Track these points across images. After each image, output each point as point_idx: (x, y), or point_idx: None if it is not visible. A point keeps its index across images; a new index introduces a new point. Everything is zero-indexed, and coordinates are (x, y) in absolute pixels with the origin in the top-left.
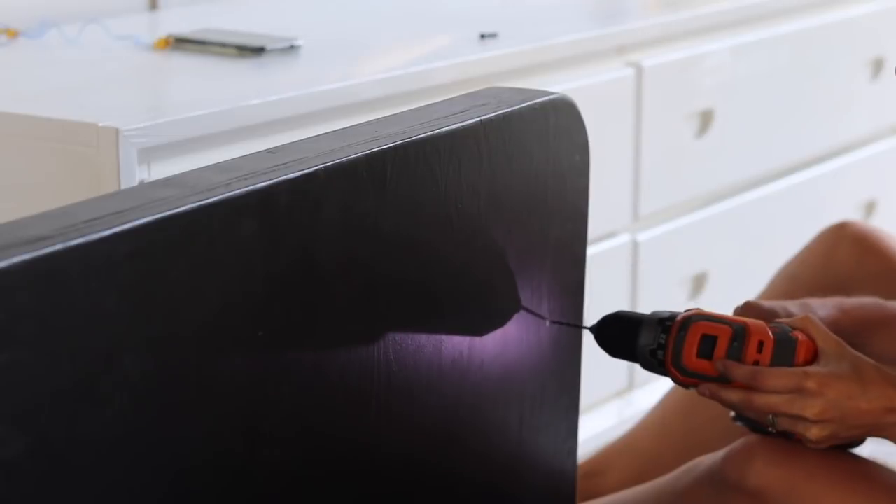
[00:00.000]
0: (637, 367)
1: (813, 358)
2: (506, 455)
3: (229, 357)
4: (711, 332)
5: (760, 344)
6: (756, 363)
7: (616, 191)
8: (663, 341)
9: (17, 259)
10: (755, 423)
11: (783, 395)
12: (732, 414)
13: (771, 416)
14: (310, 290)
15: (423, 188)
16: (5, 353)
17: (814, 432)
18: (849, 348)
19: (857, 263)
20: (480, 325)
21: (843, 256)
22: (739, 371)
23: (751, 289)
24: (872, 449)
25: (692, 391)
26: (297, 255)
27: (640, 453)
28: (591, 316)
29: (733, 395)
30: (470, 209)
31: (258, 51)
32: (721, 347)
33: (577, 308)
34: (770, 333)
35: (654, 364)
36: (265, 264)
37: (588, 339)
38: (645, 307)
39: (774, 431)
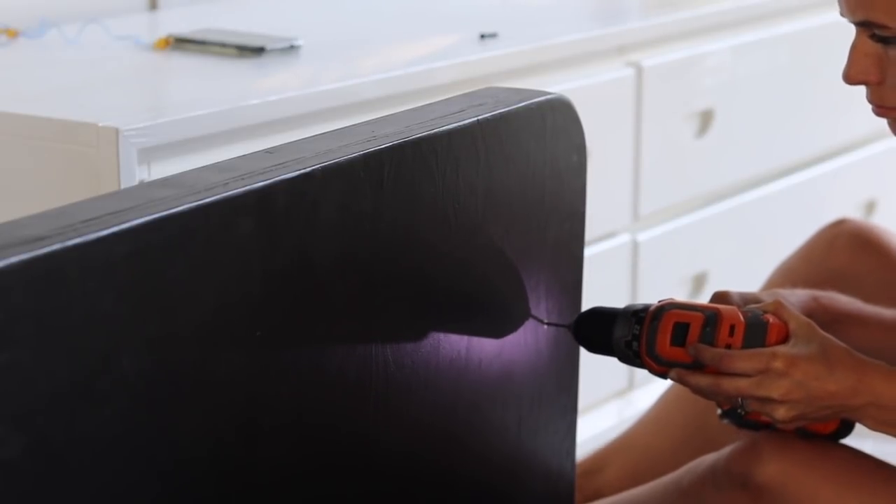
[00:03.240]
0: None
1: (784, 340)
2: (504, 455)
3: (227, 356)
4: (684, 319)
5: (732, 328)
6: (728, 347)
7: (616, 191)
8: (637, 332)
9: (15, 259)
10: (741, 420)
11: (750, 378)
12: (719, 412)
13: (740, 400)
14: (307, 290)
15: (420, 188)
16: (4, 353)
17: (781, 413)
18: (819, 330)
19: (855, 260)
20: (478, 324)
21: (840, 253)
22: (708, 354)
23: (751, 288)
24: (873, 449)
25: (686, 393)
26: (295, 254)
27: (637, 450)
28: None
29: (701, 381)
30: (467, 209)
31: (258, 51)
32: (693, 334)
33: (574, 307)
34: (741, 317)
35: (630, 356)
36: (263, 264)
37: None
38: None
39: (744, 414)
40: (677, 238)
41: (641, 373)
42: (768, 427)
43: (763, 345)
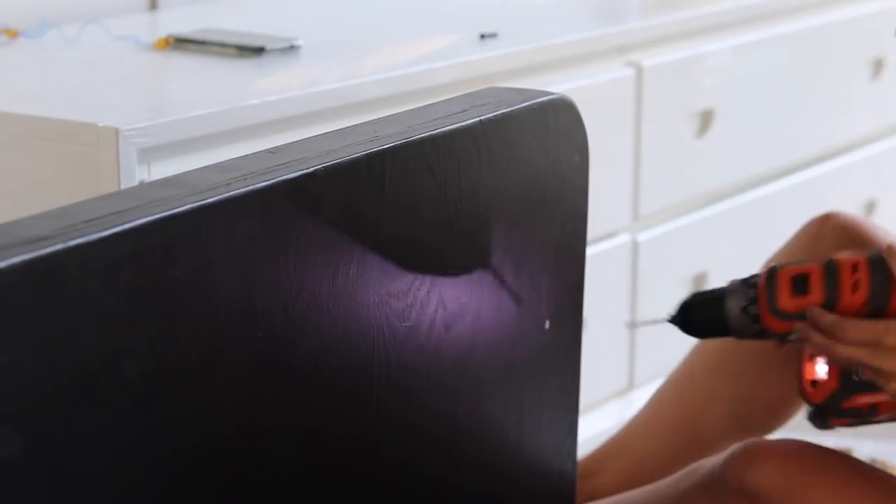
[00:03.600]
0: (637, 367)
1: None
2: (505, 455)
3: (229, 357)
4: (801, 271)
5: (854, 266)
6: (856, 284)
7: (616, 191)
8: (753, 295)
9: (16, 259)
10: (859, 415)
11: (865, 348)
12: (814, 421)
13: (855, 367)
14: (309, 290)
15: (422, 188)
16: (5, 353)
17: (893, 387)
18: None
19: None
20: (479, 324)
21: (827, 247)
22: (825, 320)
23: None
24: (873, 449)
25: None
26: (297, 255)
27: (633, 452)
28: (591, 316)
29: (818, 339)
30: (469, 209)
31: (258, 51)
32: (816, 281)
33: (576, 308)
34: (860, 256)
35: (749, 322)
36: (265, 264)
37: (588, 339)
38: (645, 307)
39: (858, 380)
40: (677, 238)
41: (642, 373)
42: (857, 419)
43: (890, 279)
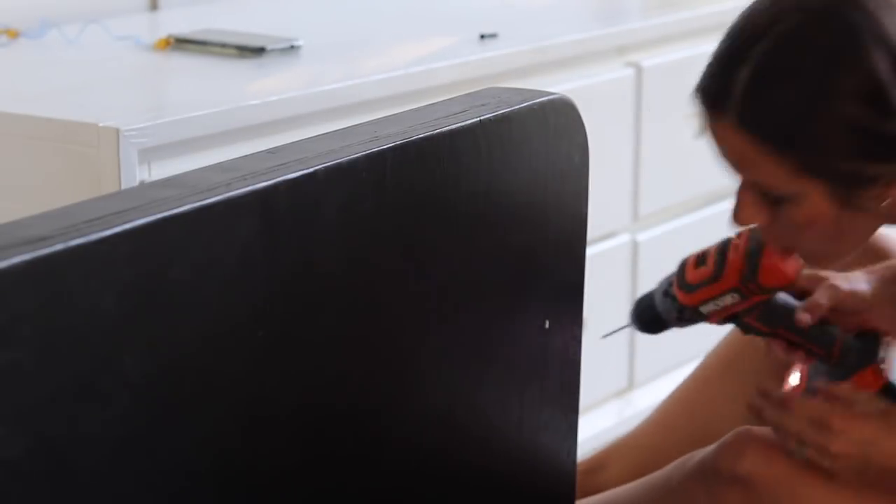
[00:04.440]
0: (636, 367)
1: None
2: (505, 454)
3: (229, 357)
4: (704, 250)
5: (740, 235)
6: (738, 247)
7: (616, 191)
8: (671, 279)
9: (17, 259)
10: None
11: (811, 426)
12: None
13: (796, 444)
14: (309, 290)
15: (422, 188)
16: (6, 353)
17: (837, 467)
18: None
19: (854, 262)
20: (480, 324)
21: None
22: (773, 395)
23: None
24: None
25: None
26: (297, 254)
27: (640, 450)
28: (591, 316)
29: (769, 413)
30: (469, 209)
31: (258, 51)
32: (712, 254)
33: (576, 308)
34: (746, 237)
35: (670, 304)
36: (265, 264)
37: (588, 339)
38: None
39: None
40: (677, 238)
41: (641, 373)
42: None
43: (760, 254)
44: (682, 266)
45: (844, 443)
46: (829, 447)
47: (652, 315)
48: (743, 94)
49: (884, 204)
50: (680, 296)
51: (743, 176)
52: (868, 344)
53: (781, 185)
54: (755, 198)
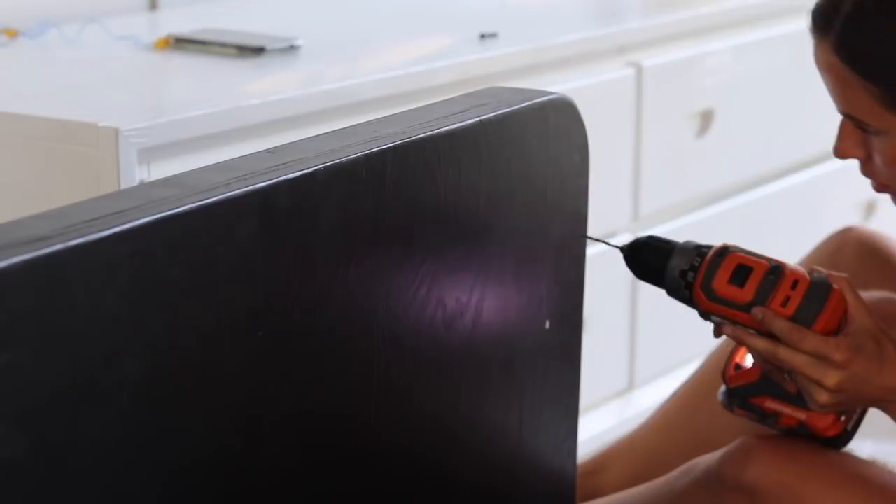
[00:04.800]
0: (636, 367)
1: (842, 315)
2: (505, 455)
3: (229, 356)
4: (748, 263)
5: (795, 282)
6: (787, 300)
7: (616, 191)
8: (697, 264)
9: (16, 259)
10: (760, 415)
11: (809, 357)
12: (723, 400)
13: (788, 373)
14: (309, 290)
15: (422, 188)
16: (5, 353)
17: (824, 398)
18: (876, 320)
19: (863, 268)
20: (481, 324)
21: (847, 260)
22: (778, 323)
23: None
24: (873, 449)
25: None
26: (297, 254)
27: (641, 452)
28: (591, 316)
29: (759, 343)
30: (469, 209)
31: (258, 51)
32: (755, 279)
33: (576, 308)
34: (806, 275)
35: (681, 286)
36: (265, 264)
37: (588, 339)
38: (645, 307)
39: (786, 385)
40: (677, 238)
41: (642, 373)
42: (758, 418)
43: (822, 308)
44: (718, 262)
45: (843, 378)
46: (826, 381)
47: (653, 272)
48: (844, 21)
49: None
50: (698, 293)
51: (840, 105)
52: None
53: (872, 118)
54: (853, 131)
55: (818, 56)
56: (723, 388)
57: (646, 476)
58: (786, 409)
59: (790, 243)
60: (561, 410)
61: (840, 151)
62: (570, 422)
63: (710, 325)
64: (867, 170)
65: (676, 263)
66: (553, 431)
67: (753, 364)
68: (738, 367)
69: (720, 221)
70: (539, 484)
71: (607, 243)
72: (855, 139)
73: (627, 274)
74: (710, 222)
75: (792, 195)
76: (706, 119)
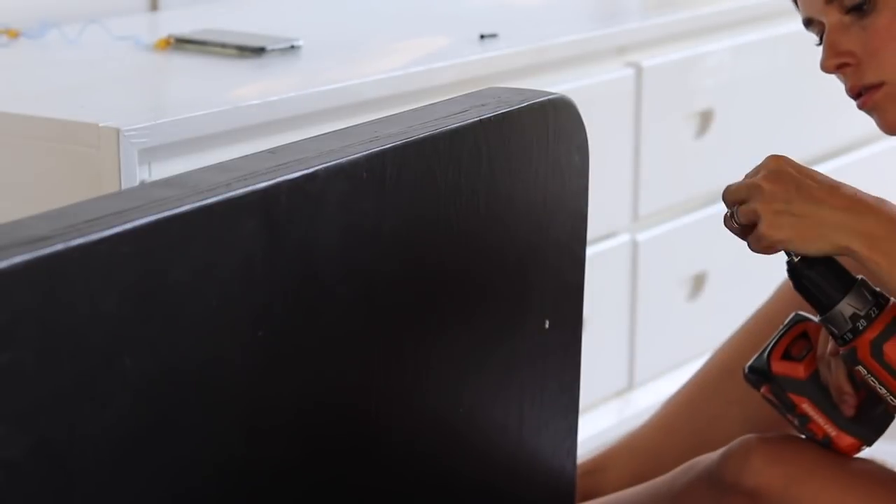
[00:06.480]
0: (636, 367)
1: None
2: (505, 454)
3: (230, 357)
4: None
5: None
6: None
7: (616, 191)
8: (874, 315)
9: (17, 259)
10: (788, 409)
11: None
12: (749, 375)
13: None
14: (309, 291)
15: (422, 188)
16: (6, 353)
17: (764, 200)
18: None
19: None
20: (480, 324)
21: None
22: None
23: (750, 289)
24: (874, 449)
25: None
26: (297, 255)
27: (641, 452)
28: (591, 316)
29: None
30: (469, 209)
31: (258, 51)
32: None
33: (576, 308)
34: None
35: (846, 327)
36: (265, 264)
37: (588, 339)
38: (645, 307)
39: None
40: (677, 238)
41: (642, 373)
42: (795, 417)
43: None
44: (891, 331)
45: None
46: (756, 180)
47: (819, 301)
48: None
49: None
50: (862, 345)
51: None
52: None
53: None
54: (840, 26)
55: None
56: (753, 362)
57: (646, 476)
58: (819, 419)
59: None
60: (561, 410)
61: (829, 61)
62: (569, 421)
63: (709, 326)
64: (855, 78)
65: (852, 303)
66: (553, 431)
67: (806, 360)
68: (789, 355)
69: (720, 221)
70: (539, 483)
71: (789, 255)
72: (843, 29)
73: (627, 274)
74: (710, 222)
75: None
76: (706, 119)
